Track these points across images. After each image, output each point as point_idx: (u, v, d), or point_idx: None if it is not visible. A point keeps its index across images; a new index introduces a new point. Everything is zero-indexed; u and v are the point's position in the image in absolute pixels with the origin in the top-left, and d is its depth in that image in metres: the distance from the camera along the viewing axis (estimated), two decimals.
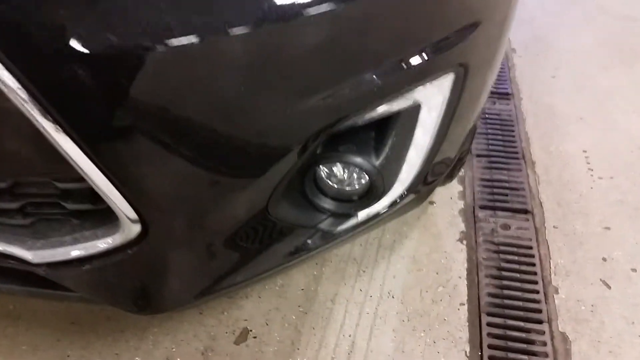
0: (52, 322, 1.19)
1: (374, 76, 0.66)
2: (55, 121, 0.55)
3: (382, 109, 0.71)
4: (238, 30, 0.55)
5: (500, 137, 1.72)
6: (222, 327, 1.17)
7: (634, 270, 1.30)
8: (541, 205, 1.48)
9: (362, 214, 0.84)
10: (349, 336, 1.15)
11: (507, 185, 1.53)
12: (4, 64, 0.51)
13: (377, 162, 0.75)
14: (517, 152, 1.65)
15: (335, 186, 0.81)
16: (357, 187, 0.80)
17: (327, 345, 1.14)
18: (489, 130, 1.74)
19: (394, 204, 0.85)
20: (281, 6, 0.56)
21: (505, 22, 0.81)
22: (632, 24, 2.35)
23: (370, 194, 0.79)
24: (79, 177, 0.59)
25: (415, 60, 0.68)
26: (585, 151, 1.66)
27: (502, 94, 1.90)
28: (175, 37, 0.53)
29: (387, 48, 0.66)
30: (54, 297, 0.82)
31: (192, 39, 0.53)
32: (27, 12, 0.51)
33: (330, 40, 0.61)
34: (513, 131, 1.74)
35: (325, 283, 1.26)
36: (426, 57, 0.69)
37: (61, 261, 0.68)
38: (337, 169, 0.79)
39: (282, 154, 0.68)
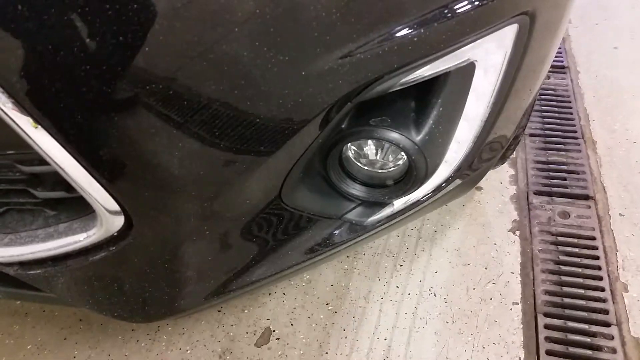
0: (60, 320, 1.11)
1: (414, 24, 0.51)
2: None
3: (425, 70, 0.56)
4: None
5: (556, 115, 1.54)
6: (242, 327, 1.05)
7: None
8: (604, 191, 1.30)
9: (399, 202, 0.69)
10: (385, 339, 1.02)
11: (565, 168, 1.36)
12: None
13: (418, 138, 0.60)
14: (575, 132, 1.48)
15: (366, 168, 0.66)
16: (393, 169, 0.66)
17: (360, 350, 1.00)
18: (544, 107, 1.57)
19: (437, 189, 0.70)
20: None
21: None
22: None
23: (409, 178, 0.64)
24: (40, 158, 0.47)
25: (468, 4, 0.52)
26: None
27: (557, 67, 1.72)
28: None
29: None
30: (32, 299, 0.71)
31: None
32: None
33: None
34: (570, 108, 1.56)
35: (357, 278, 1.12)
36: (482, 3, 0.53)
37: (33, 260, 0.57)
38: (368, 148, 0.65)
39: (297, 127, 0.54)
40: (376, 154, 0.66)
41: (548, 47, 0.68)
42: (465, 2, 0.53)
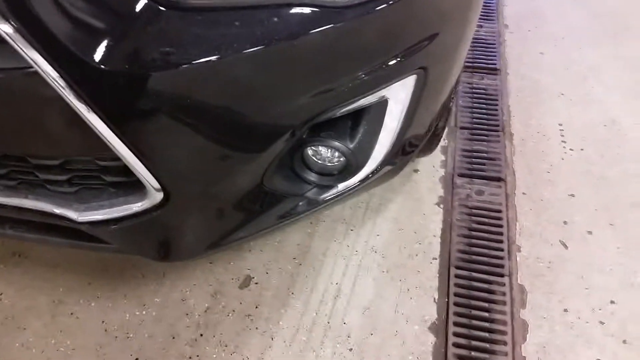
0: (85, 270, 1.40)
1: (350, 79, 0.84)
2: (86, 103, 0.71)
3: (357, 104, 0.89)
4: (252, 47, 0.72)
5: (484, 111, 1.87)
6: (228, 275, 1.38)
7: (589, 232, 1.49)
8: (514, 174, 1.65)
9: (342, 185, 1.03)
10: (336, 284, 1.36)
11: (485, 155, 1.70)
12: (47, 60, 0.67)
13: (352, 145, 0.93)
14: (498, 125, 1.81)
15: (319, 163, 0.99)
16: (336, 164, 0.99)
17: (317, 291, 1.34)
18: (475, 104, 1.89)
19: (368, 177, 1.03)
20: (287, 27, 0.73)
21: (461, 33, 0.97)
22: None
23: (347, 170, 0.98)
24: (115, 156, 0.78)
25: (384, 66, 0.85)
26: (560, 124, 1.82)
27: (490, 69, 2.04)
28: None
29: (361, 60, 0.83)
30: (91, 248, 1.01)
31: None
32: (65, 24, 0.68)
33: (321, 52, 0.79)
34: (497, 105, 1.89)
35: (317, 240, 1.46)
36: (392, 64, 0.86)
37: (99, 220, 0.88)
38: (321, 149, 0.98)
39: (276, 138, 0.86)
40: (326, 154, 0.98)
41: (440, 84, 1.01)
42: (382, 65, 0.85)
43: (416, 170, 1.64)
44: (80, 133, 0.76)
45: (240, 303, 1.32)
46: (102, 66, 0.67)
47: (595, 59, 2.10)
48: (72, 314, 1.32)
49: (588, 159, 1.70)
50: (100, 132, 0.73)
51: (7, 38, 0.65)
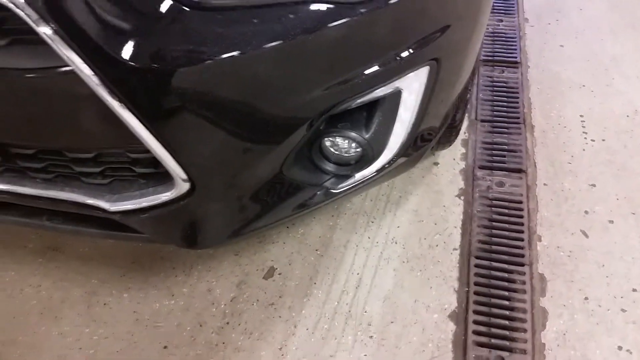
0: (117, 262, 1.47)
1: (366, 70, 0.87)
2: (119, 99, 0.76)
3: (371, 95, 0.92)
4: (271, 43, 0.76)
5: (505, 104, 1.88)
6: (253, 266, 1.43)
7: (611, 222, 1.49)
8: (535, 165, 1.66)
9: (358, 175, 1.06)
10: (357, 274, 1.40)
11: (506, 147, 1.72)
12: (82, 59, 0.72)
13: (367, 135, 0.96)
14: (518, 117, 1.82)
15: (336, 153, 1.03)
16: (353, 154, 1.03)
17: (339, 281, 1.38)
18: (495, 97, 1.91)
19: (384, 167, 1.07)
20: (303, 22, 0.78)
21: (474, 25, 1.00)
22: None
23: (363, 160, 1.01)
24: (145, 149, 0.83)
25: (397, 58, 0.88)
26: (582, 116, 1.82)
27: (510, 63, 2.05)
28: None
29: (375, 52, 0.87)
30: (123, 238, 1.07)
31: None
32: (98, 26, 0.73)
33: (336, 46, 0.83)
34: (517, 98, 1.90)
35: (339, 232, 1.50)
36: (405, 55, 0.89)
37: (130, 210, 0.94)
38: (338, 141, 1.01)
39: (292, 131, 0.90)
40: (343, 144, 1.02)
41: (453, 76, 1.04)
42: (396, 57, 0.89)
43: (436, 164, 1.67)
44: (113, 127, 0.81)
45: (265, 293, 1.37)
46: (133, 64, 0.72)
47: (616, 51, 2.09)
48: (105, 304, 1.38)
49: (609, 149, 1.70)
50: (131, 126, 0.78)
51: (47, 39, 0.71)
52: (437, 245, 1.45)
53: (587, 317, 1.29)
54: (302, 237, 1.49)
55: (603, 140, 1.73)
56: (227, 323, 1.31)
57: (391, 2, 0.82)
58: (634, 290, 1.33)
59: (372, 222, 1.52)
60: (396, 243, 1.46)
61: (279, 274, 1.41)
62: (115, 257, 1.48)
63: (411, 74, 0.92)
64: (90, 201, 0.95)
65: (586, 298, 1.32)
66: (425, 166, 1.65)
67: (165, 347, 1.28)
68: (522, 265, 1.40)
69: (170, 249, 1.48)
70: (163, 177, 0.92)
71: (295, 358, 1.24)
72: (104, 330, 1.33)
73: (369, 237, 1.48)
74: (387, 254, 1.44)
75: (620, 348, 1.23)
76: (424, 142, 1.14)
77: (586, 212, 1.52)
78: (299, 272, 1.41)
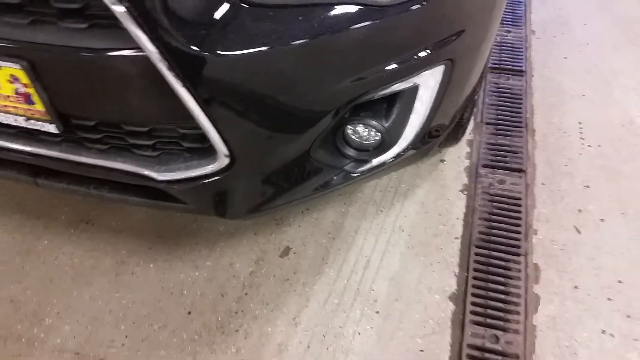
0: (146, 236, 1.59)
1: (388, 66, 1.00)
2: (179, 78, 0.87)
3: (392, 88, 1.05)
4: (311, 38, 0.88)
5: (509, 109, 2.00)
6: (270, 245, 1.55)
7: (602, 220, 1.61)
8: (534, 166, 1.78)
9: (376, 161, 1.18)
10: (366, 257, 1.52)
11: (508, 148, 1.84)
12: (150, 39, 0.82)
13: (386, 124, 1.09)
14: (521, 122, 1.94)
15: (357, 140, 1.16)
16: (372, 141, 1.15)
17: (349, 262, 1.50)
18: (500, 103, 2.03)
19: (399, 155, 1.19)
20: (338, 21, 0.90)
21: (485, 31, 1.13)
22: None
23: (381, 146, 1.14)
24: (194, 125, 0.96)
25: (416, 57, 1.01)
26: (580, 123, 1.94)
27: (516, 71, 2.17)
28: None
29: (397, 50, 0.99)
30: (164, 207, 1.19)
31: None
32: (166, 11, 0.84)
33: (365, 43, 0.95)
34: (521, 104, 2.02)
35: (350, 218, 1.62)
36: (423, 55, 1.02)
37: (176, 179, 1.06)
38: (359, 128, 1.14)
39: (322, 117, 1.02)
40: (364, 132, 1.15)
41: (465, 76, 1.17)
42: (415, 55, 1.01)
43: (443, 161, 1.79)
44: (169, 104, 0.93)
45: (280, 269, 1.49)
46: (194, 48, 0.85)
47: (617, 64, 2.21)
48: (133, 273, 1.50)
49: (604, 155, 1.82)
50: (187, 104, 0.90)
51: (120, 18, 0.81)
52: (440, 234, 1.57)
53: (576, 304, 1.41)
54: (316, 222, 1.61)
55: (599, 146, 1.85)
56: (246, 294, 1.43)
57: (414, 7, 0.95)
58: (620, 282, 1.45)
59: (381, 211, 1.64)
60: (403, 231, 1.58)
61: (294, 253, 1.53)
62: (143, 231, 1.60)
63: (428, 72, 1.04)
64: (143, 171, 1.07)
65: (576, 287, 1.44)
66: (433, 162, 1.78)
67: (189, 312, 1.40)
68: (518, 255, 1.52)
69: (194, 226, 1.60)
70: (206, 152, 1.04)
71: (307, 327, 1.36)
72: (132, 295, 1.45)
73: (377, 224, 1.60)
74: (394, 240, 1.56)
75: (604, 332, 1.35)
76: (432, 137, 1.26)
77: (580, 210, 1.64)
78: (312, 252, 1.53)
